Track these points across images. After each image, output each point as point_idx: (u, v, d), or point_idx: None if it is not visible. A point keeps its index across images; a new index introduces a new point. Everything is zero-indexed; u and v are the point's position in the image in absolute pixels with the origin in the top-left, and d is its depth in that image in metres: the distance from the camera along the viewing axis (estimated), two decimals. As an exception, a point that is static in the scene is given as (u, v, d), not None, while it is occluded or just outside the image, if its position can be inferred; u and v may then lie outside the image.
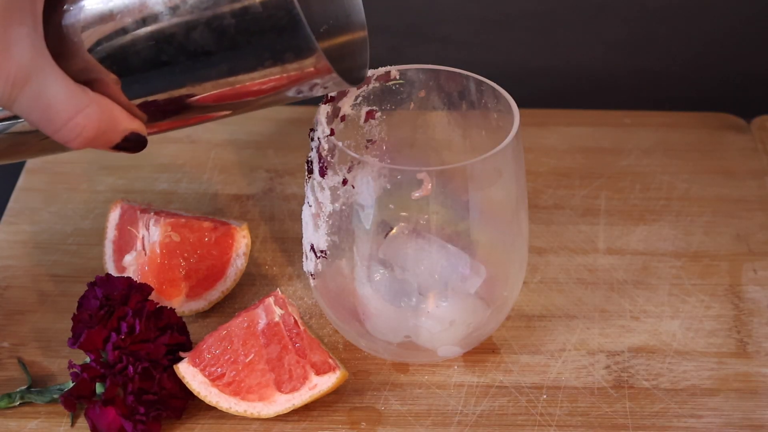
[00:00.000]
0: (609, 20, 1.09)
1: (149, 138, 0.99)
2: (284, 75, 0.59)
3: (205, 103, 0.62)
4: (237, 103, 0.62)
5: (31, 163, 0.95)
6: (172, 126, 0.64)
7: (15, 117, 0.62)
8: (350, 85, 0.63)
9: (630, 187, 0.93)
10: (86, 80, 0.60)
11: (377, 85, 0.75)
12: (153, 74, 0.60)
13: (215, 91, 0.61)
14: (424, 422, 0.74)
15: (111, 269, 0.82)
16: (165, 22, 0.58)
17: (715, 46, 1.09)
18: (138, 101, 0.61)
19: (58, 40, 0.59)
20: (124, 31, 0.59)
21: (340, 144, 0.69)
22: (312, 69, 0.59)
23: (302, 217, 0.75)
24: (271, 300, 0.74)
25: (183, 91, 0.61)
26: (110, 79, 0.60)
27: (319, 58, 0.58)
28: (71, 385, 0.73)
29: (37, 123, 0.59)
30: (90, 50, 0.59)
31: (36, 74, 0.57)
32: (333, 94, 0.73)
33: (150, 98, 0.61)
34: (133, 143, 0.62)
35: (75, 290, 0.81)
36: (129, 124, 0.61)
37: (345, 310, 0.75)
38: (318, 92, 0.63)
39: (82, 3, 0.59)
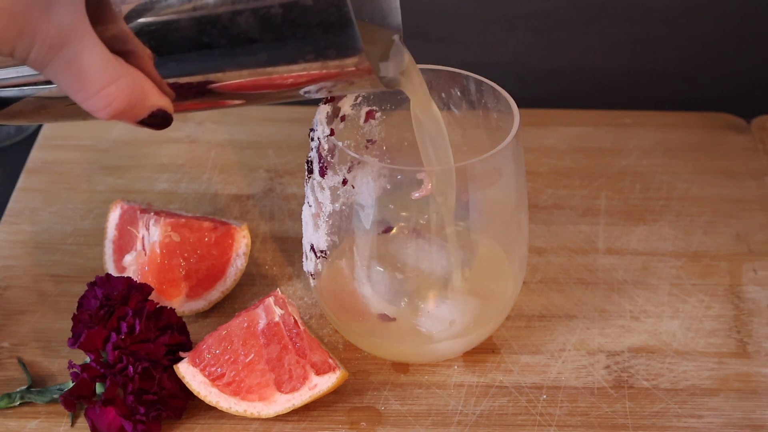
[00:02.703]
0: (609, 20, 1.09)
1: (148, 136, 0.99)
2: (323, 71, 0.59)
3: (236, 89, 0.61)
4: (268, 93, 0.61)
5: (31, 163, 0.95)
6: (199, 107, 0.64)
7: (45, 81, 0.61)
8: (386, 88, 0.63)
9: (630, 187, 0.93)
10: (120, 51, 0.59)
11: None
12: (190, 54, 0.59)
13: (250, 79, 0.60)
14: (424, 422, 0.74)
15: (111, 269, 0.82)
16: (210, 3, 0.57)
17: (715, 46, 1.09)
18: (170, 79, 0.60)
19: (98, 7, 0.58)
20: (167, 6, 0.58)
21: (340, 144, 0.69)
22: (353, 68, 0.58)
23: (302, 217, 0.75)
24: (271, 300, 0.74)
25: (218, 75, 0.60)
26: (145, 53, 0.59)
27: (362, 59, 0.58)
28: (71, 385, 0.73)
29: (67, 89, 0.58)
30: (129, 22, 0.58)
31: (74, 39, 0.56)
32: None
33: (182, 77, 0.60)
34: (159, 120, 0.61)
35: (75, 290, 0.81)
36: (158, 100, 0.60)
37: (345, 310, 0.75)
38: (351, 91, 0.62)
39: None
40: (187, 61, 0.59)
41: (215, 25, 0.57)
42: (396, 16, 0.67)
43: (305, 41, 0.57)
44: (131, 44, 0.59)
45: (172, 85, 0.61)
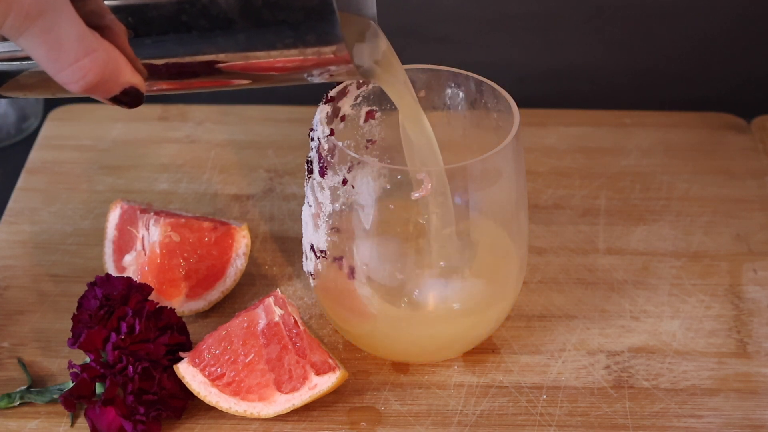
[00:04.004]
0: (609, 20, 1.09)
1: (148, 136, 0.98)
2: (300, 57, 0.59)
3: (210, 72, 0.60)
4: (243, 75, 0.61)
5: (31, 163, 0.95)
6: (171, 88, 0.63)
7: (23, 58, 0.61)
8: (363, 77, 0.62)
9: (630, 187, 0.93)
10: (96, 25, 0.58)
11: (377, 85, 0.75)
12: (167, 33, 0.59)
13: (226, 62, 0.59)
14: (424, 422, 0.74)
15: (111, 269, 0.82)
16: None
17: (715, 46, 1.09)
18: (145, 57, 0.60)
19: None
20: None
21: (340, 144, 0.69)
22: (331, 56, 0.58)
23: (302, 217, 0.75)
24: (271, 300, 0.74)
25: (193, 57, 0.59)
26: (120, 29, 0.59)
27: (340, 48, 0.58)
28: (71, 385, 0.73)
29: (42, 59, 0.57)
30: None
31: (50, 9, 0.56)
32: (333, 93, 0.73)
33: (158, 56, 0.60)
34: (130, 98, 0.60)
35: (75, 290, 0.81)
36: (131, 77, 0.60)
37: (345, 310, 0.75)
38: (326, 79, 0.62)
39: None
40: (164, 40, 0.59)
41: (195, 4, 0.57)
42: (372, 7, 0.67)
43: (285, 26, 0.57)
44: (107, 19, 0.59)
45: (146, 64, 0.60)
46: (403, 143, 0.73)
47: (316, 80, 0.62)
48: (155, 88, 0.63)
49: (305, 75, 0.61)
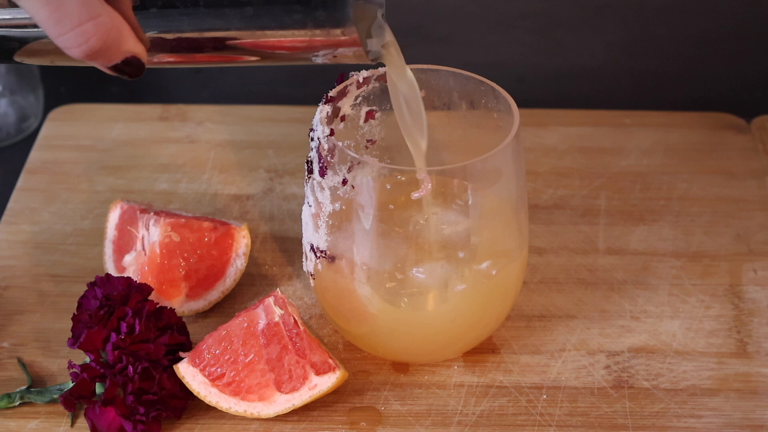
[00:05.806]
0: (609, 20, 1.09)
1: (148, 136, 0.98)
2: (308, 36, 0.58)
3: (215, 46, 0.60)
4: (249, 51, 0.61)
5: (31, 163, 0.95)
6: (174, 61, 0.63)
7: (22, 26, 0.61)
8: (370, 61, 0.62)
9: (630, 187, 0.93)
10: None
11: (377, 85, 0.75)
12: (173, 3, 0.58)
13: (231, 37, 0.59)
14: (424, 422, 0.74)
15: (111, 269, 0.82)
16: None
17: (714, 45, 1.09)
18: (148, 28, 0.59)
19: None
20: None
21: (340, 144, 0.69)
22: (340, 37, 0.58)
23: (302, 217, 0.75)
24: (270, 300, 0.74)
25: (199, 30, 0.59)
26: None
27: (350, 29, 0.57)
28: (71, 385, 0.73)
29: (44, 22, 0.57)
30: None
31: None
32: (333, 93, 0.73)
33: (162, 27, 0.59)
34: (132, 67, 0.60)
35: (75, 290, 0.81)
36: (134, 46, 0.59)
37: (345, 310, 0.75)
38: (329, 60, 0.62)
39: None
40: (169, 11, 0.58)
41: None
42: None
43: (295, 0, 0.57)
44: None
45: (150, 35, 0.60)
46: (393, 103, 0.72)
47: (320, 61, 0.62)
48: (158, 60, 0.62)
49: (311, 55, 0.60)
